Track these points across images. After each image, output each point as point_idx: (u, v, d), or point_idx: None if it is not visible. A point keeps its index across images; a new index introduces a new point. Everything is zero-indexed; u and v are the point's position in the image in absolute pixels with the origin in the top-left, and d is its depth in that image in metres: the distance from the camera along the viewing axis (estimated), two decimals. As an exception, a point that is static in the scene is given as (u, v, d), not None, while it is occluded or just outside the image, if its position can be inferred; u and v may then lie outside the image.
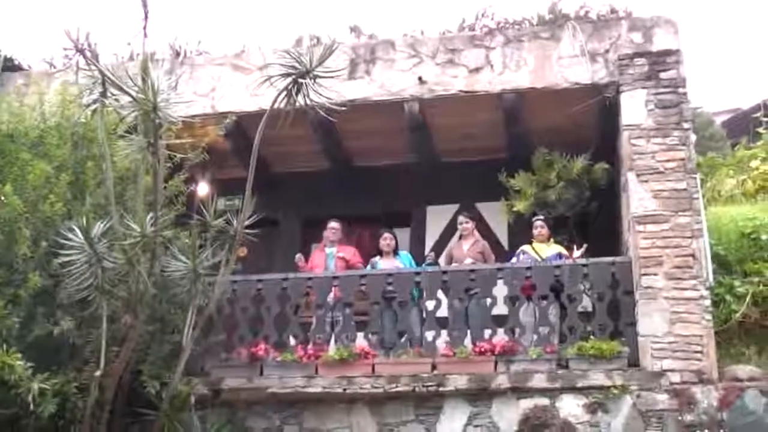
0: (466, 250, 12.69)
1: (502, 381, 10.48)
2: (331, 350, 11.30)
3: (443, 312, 11.55)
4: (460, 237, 13.13)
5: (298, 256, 12.92)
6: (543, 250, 12.30)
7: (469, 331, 11.39)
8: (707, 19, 54.34)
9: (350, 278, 11.99)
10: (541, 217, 12.69)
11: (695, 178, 11.06)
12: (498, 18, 13.09)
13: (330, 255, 13.10)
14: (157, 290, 9.83)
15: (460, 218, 13.13)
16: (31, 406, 8.92)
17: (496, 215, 14.21)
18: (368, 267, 12.71)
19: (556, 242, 12.59)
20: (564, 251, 12.24)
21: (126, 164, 10.64)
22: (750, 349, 10.86)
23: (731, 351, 10.90)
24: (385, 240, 12.91)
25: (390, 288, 11.73)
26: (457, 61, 12.68)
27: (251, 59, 13.28)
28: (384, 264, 12.63)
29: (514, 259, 12.36)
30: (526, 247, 12.47)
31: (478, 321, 11.47)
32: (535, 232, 12.55)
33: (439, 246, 14.33)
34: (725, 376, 10.21)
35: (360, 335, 11.57)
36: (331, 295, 11.97)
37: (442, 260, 13.25)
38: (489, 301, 11.37)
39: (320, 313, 11.91)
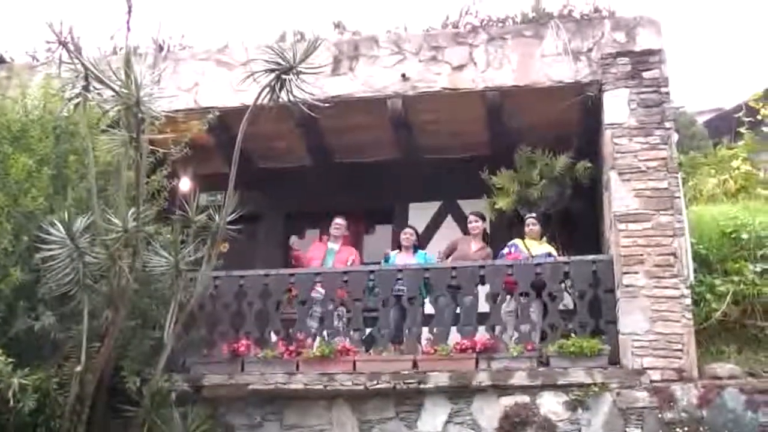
0: (474, 250, 12.71)
1: (482, 378, 10.49)
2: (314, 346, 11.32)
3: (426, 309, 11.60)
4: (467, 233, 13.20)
5: (293, 239, 12.90)
6: (533, 247, 12.37)
7: (450, 329, 11.40)
8: (690, 18, 54.47)
9: (333, 275, 11.98)
10: (534, 214, 12.76)
11: (677, 177, 11.09)
12: (482, 15, 13.07)
13: (330, 251, 13.12)
14: (138, 286, 9.79)
15: (471, 216, 13.14)
16: (11, 402, 8.89)
17: (479, 213, 14.24)
18: (383, 260, 12.81)
19: (512, 237, 12.71)
20: (554, 252, 12.29)
21: (108, 159, 10.57)
22: (730, 348, 10.90)
23: (711, 349, 10.94)
24: (406, 234, 13.01)
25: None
26: (440, 59, 12.68)
27: (235, 55, 13.26)
28: (400, 258, 12.67)
29: (505, 250, 12.42)
30: (517, 241, 12.53)
31: (460, 318, 11.49)
32: (527, 229, 12.65)
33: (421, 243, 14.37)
34: (705, 374, 10.25)
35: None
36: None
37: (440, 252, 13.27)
38: (471, 298, 11.38)
39: (302, 309, 11.91)
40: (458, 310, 11.70)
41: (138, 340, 10.36)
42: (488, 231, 14.23)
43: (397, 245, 13.18)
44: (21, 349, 9.37)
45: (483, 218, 13.29)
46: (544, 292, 11.21)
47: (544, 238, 12.72)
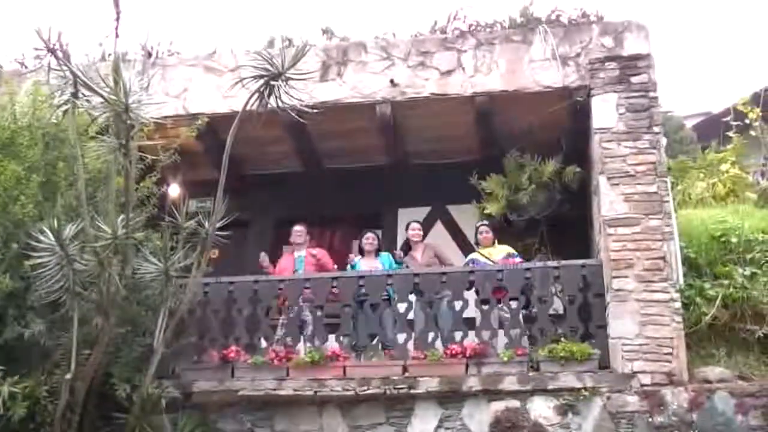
0: (421, 258, 12.77)
1: (473, 383, 10.48)
2: (302, 353, 11.29)
3: (414, 314, 11.59)
4: (410, 248, 13.18)
5: (262, 256, 12.90)
6: (492, 253, 12.48)
7: (440, 334, 11.38)
8: (678, 23, 54.67)
9: (322, 280, 11.97)
10: (486, 222, 12.85)
11: (666, 181, 11.13)
12: (470, 20, 13.14)
13: (299, 259, 13.10)
14: (128, 292, 9.79)
15: (414, 224, 13.21)
16: (1, 410, 8.88)
17: (468, 218, 14.26)
18: (348, 266, 12.76)
19: (501, 243, 12.76)
20: (512, 250, 12.41)
21: (97, 165, 10.60)
22: (720, 351, 10.90)
23: (701, 353, 10.94)
24: (368, 240, 12.99)
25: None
26: (428, 64, 12.70)
27: (223, 61, 13.26)
28: (365, 264, 12.67)
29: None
30: (475, 255, 12.60)
31: (448, 324, 11.48)
32: (480, 237, 12.80)
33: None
34: (695, 378, 10.27)
35: (331, 337, 11.56)
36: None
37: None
38: (460, 303, 11.38)
39: (291, 315, 11.89)
40: (444, 316, 11.68)
41: (128, 346, 10.36)
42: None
43: (390, 248, 13.15)
44: (10, 356, 9.38)
45: (422, 225, 13.47)
46: (532, 296, 11.26)
47: (496, 242, 12.78)
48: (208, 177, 11.49)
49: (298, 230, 13.36)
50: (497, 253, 12.47)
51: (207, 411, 10.99)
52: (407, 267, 12.67)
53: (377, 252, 12.98)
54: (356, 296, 11.72)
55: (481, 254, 12.58)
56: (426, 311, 11.52)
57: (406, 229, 13.37)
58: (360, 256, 12.98)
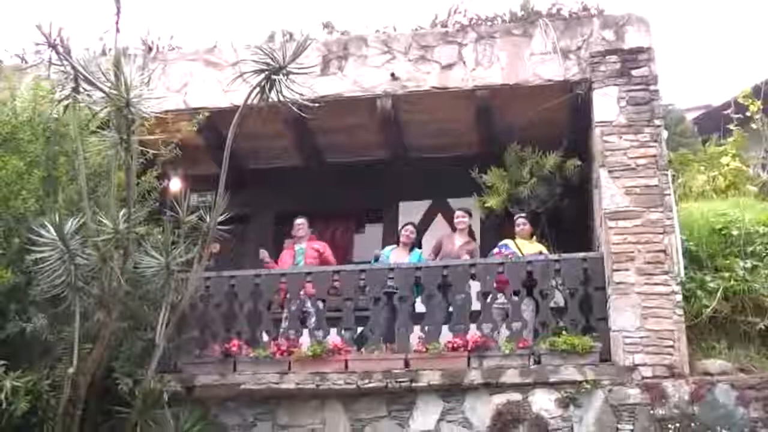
0: (459, 246, 12.70)
1: (474, 376, 10.49)
2: (304, 346, 11.29)
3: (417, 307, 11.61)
4: (453, 230, 13.14)
5: (262, 252, 12.90)
6: (525, 246, 12.33)
7: (442, 327, 11.38)
8: (679, 16, 54.59)
9: (323, 274, 11.98)
10: (524, 214, 12.75)
11: (666, 174, 11.12)
12: (470, 14, 13.10)
13: (299, 251, 13.09)
14: (129, 287, 9.79)
15: (458, 212, 13.08)
16: (4, 404, 8.88)
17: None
18: (373, 259, 12.78)
19: (502, 236, 12.69)
20: (545, 250, 12.28)
21: (99, 160, 10.59)
22: (721, 344, 10.91)
23: (702, 345, 10.95)
24: (407, 231, 12.93)
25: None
26: (429, 58, 12.70)
27: (224, 55, 13.25)
28: (396, 254, 12.68)
29: (495, 250, 12.36)
30: (508, 242, 12.49)
31: (451, 316, 11.48)
32: (517, 228, 12.60)
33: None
34: (696, 371, 10.28)
35: (333, 331, 11.57)
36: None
37: (427, 252, 13.22)
38: (462, 296, 11.39)
39: (293, 308, 11.90)
40: (450, 309, 11.66)
41: (130, 341, 10.36)
42: (479, 230, 14.27)
43: (393, 243, 13.12)
44: (12, 351, 9.37)
45: (470, 214, 13.22)
46: (535, 290, 11.24)
47: (534, 237, 12.73)
48: (209, 171, 11.50)
49: (300, 223, 13.37)
50: (529, 248, 12.37)
51: (209, 405, 11.01)
52: (440, 248, 12.82)
53: (412, 246, 12.96)
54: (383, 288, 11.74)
55: (515, 243, 12.48)
56: (428, 304, 11.51)
57: (453, 217, 13.36)
58: (396, 245, 12.97)
